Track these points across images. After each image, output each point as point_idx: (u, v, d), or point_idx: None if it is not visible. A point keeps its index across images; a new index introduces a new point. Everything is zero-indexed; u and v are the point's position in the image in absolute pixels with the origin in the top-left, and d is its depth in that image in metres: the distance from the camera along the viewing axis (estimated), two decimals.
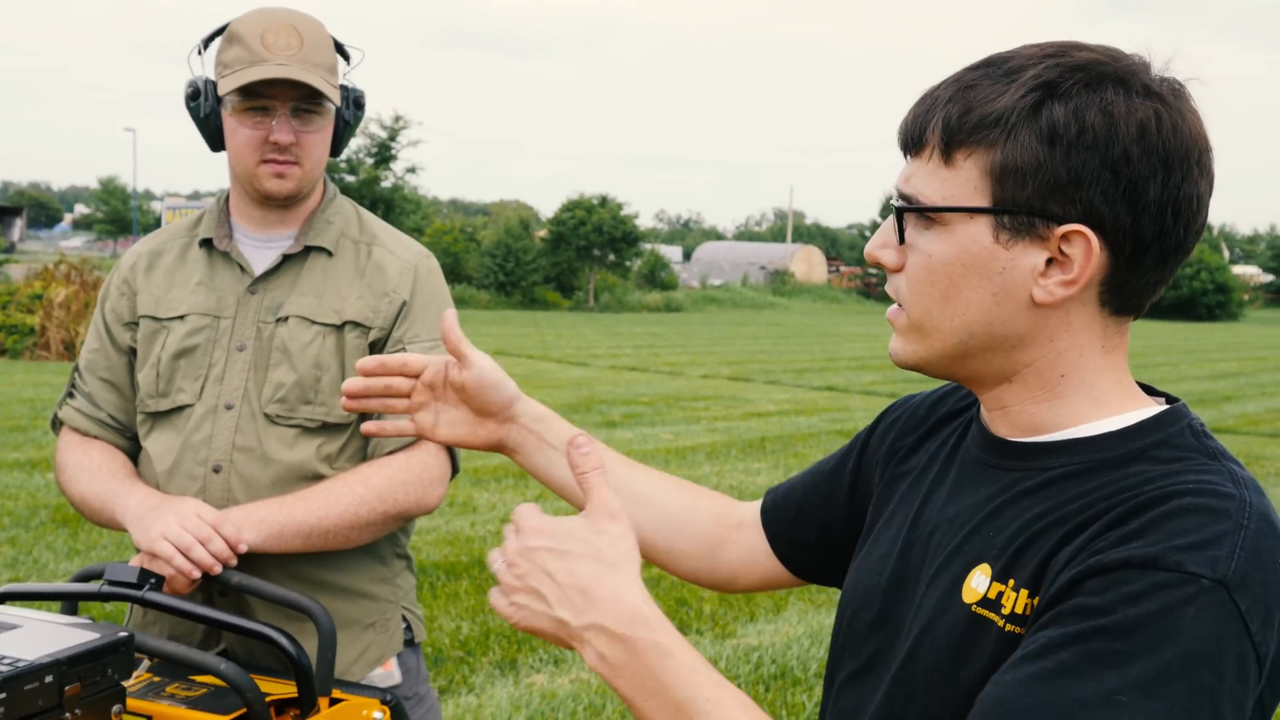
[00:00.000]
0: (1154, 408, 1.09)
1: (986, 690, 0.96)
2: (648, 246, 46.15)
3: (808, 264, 59.81)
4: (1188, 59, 1.05)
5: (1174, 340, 32.67)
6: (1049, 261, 1.03)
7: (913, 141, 1.07)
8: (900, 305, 1.11)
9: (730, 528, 1.45)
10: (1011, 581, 1.02)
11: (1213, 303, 51.04)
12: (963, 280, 1.05)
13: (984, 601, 1.03)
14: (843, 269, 62.45)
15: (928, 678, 1.07)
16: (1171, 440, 1.05)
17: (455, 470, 2.13)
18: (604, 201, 40.42)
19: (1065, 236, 1.01)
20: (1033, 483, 1.07)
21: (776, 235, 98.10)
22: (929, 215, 1.06)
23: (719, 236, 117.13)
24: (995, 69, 1.04)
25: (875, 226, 1.30)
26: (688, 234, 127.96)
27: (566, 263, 39.83)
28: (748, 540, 1.44)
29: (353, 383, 1.40)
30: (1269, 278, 71.12)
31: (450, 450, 2.10)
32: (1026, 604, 1.00)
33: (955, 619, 1.06)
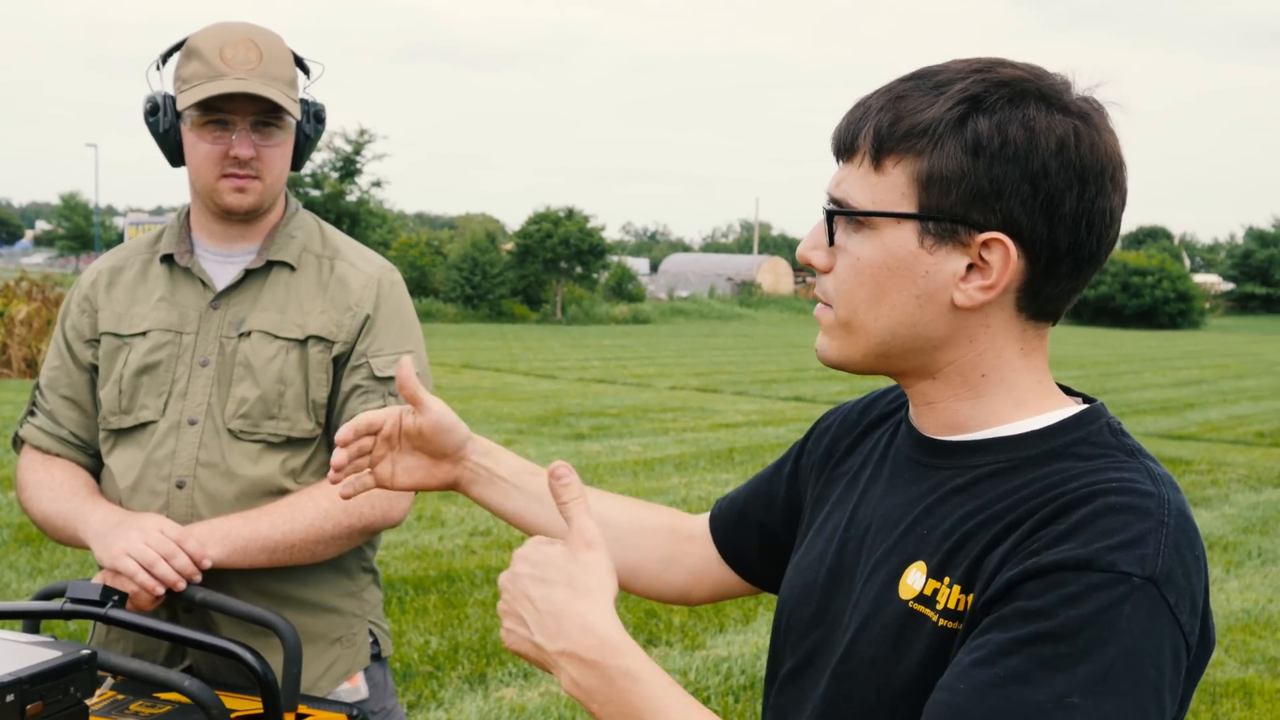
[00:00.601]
0: (1073, 407, 1.14)
1: (937, 696, 0.99)
2: (614, 259, 46.15)
3: (774, 275, 60.06)
4: (1112, 83, 1.10)
5: (1137, 349, 32.99)
6: (969, 267, 1.08)
7: (845, 147, 1.12)
8: (828, 304, 1.15)
9: (682, 540, 1.49)
10: (947, 579, 1.07)
11: (1175, 311, 51.49)
12: (889, 282, 1.10)
13: (920, 598, 1.08)
14: (809, 280, 62.69)
15: (866, 672, 1.11)
16: (1091, 438, 1.09)
17: None
18: (570, 214, 40.42)
19: (985, 244, 1.07)
20: (962, 480, 1.12)
21: (743, 247, 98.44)
22: (859, 219, 1.10)
23: (685, 248, 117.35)
24: (925, 81, 1.08)
25: None
26: (654, 246, 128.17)
27: (533, 275, 39.79)
28: (699, 550, 1.48)
29: (340, 455, 1.42)
30: (1230, 286, 71.99)
31: None
32: (959, 599, 1.04)
33: (892, 615, 1.10)
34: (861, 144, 1.10)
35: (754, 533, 1.43)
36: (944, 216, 1.06)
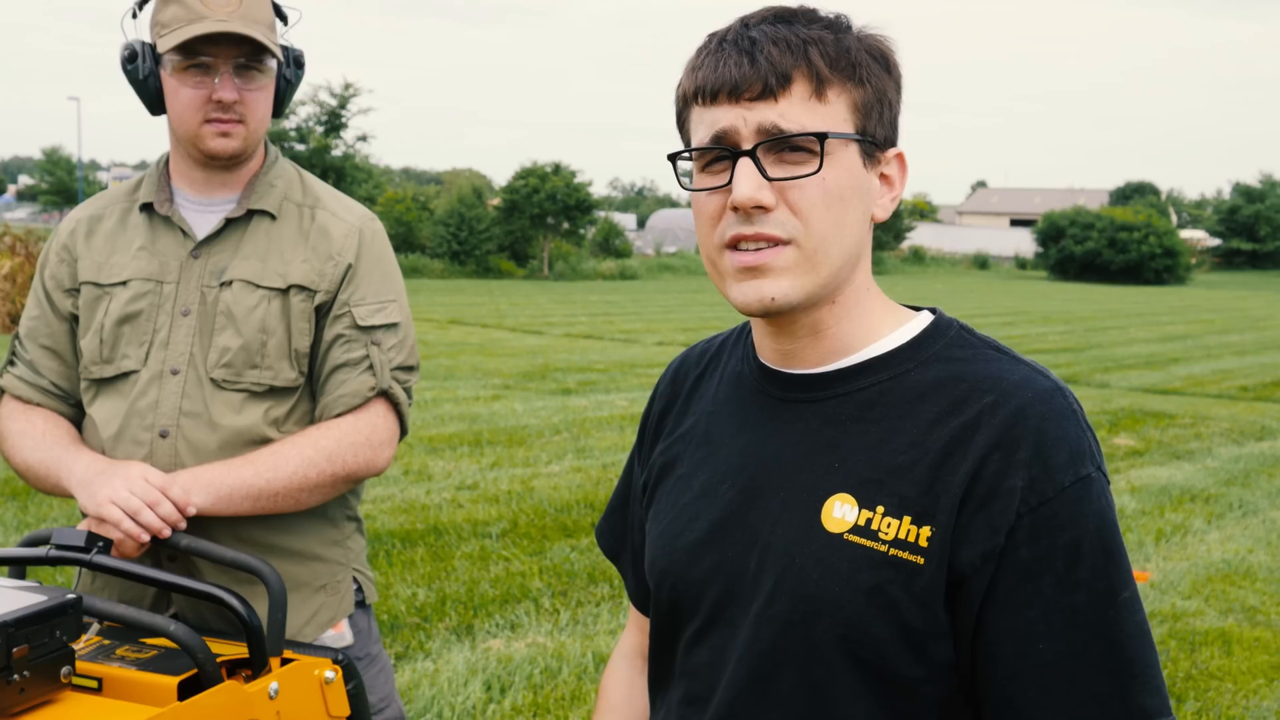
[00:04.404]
0: (922, 316, 1.22)
1: (1029, 653, 1.07)
2: (602, 214, 45.95)
3: None
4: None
5: (1123, 304, 33.07)
6: (880, 180, 1.17)
7: (775, 84, 1.12)
8: (780, 242, 1.13)
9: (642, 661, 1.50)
10: (880, 509, 1.11)
11: (1160, 266, 51.46)
12: (851, 201, 1.15)
13: (856, 529, 1.12)
14: None
15: (805, 607, 1.13)
16: (956, 341, 1.19)
17: (404, 431, 2.13)
18: (557, 169, 40.17)
19: (890, 159, 1.19)
20: (851, 407, 1.17)
21: None
22: (820, 146, 1.12)
23: (673, 204, 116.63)
24: (802, 21, 1.14)
25: None
26: (642, 201, 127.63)
27: (520, 231, 39.62)
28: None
29: None
30: (1216, 242, 71.99)
31: (399, 411, 2.10)
32: (910, 530, 1.09)
33: (823, 548, 1.13)
34: (797, 78, 1.12)
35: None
36: (875, 138, 1.16)
